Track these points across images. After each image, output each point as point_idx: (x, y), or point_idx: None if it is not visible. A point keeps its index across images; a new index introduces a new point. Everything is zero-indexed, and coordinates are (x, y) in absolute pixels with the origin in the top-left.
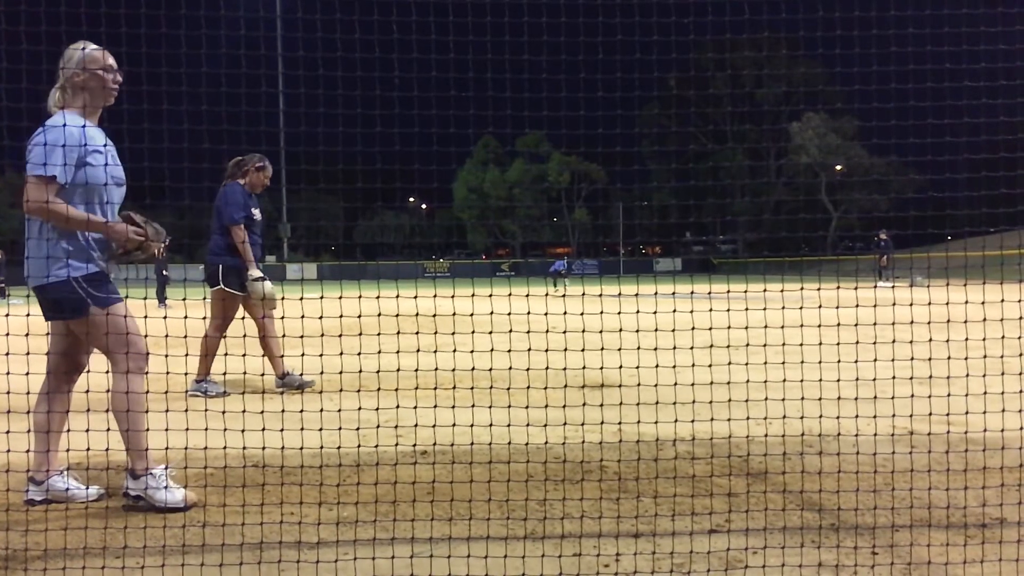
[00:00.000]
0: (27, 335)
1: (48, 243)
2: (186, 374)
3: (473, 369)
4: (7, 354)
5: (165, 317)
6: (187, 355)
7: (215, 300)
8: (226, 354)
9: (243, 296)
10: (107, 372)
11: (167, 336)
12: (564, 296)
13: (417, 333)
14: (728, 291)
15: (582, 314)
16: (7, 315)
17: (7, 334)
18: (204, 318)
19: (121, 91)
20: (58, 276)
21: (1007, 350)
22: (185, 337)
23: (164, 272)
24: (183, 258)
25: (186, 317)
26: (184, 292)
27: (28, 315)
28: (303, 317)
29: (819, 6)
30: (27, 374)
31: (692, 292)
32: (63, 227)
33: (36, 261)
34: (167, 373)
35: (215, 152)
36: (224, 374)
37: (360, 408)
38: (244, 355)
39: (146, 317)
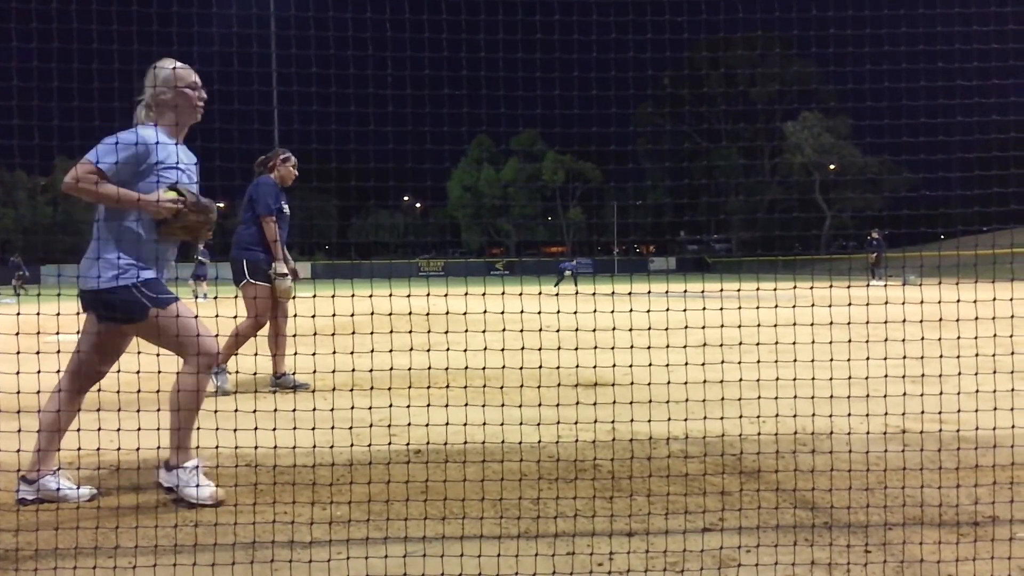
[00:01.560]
0: (17, 334)
1: (105, 248)
2: (179, 373)
3: (466, 368)
4: None
5: (158, 316)
6: None
7: (245, 297)
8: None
9: (267, 288)
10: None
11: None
12: (557, 295)
13: (411, 332)
14: (721, 290)
15: (575, 313)
16: None
17: None
18: (194, 316)
19: (113, 90)
20: (113, 281)
21: (999, 348)
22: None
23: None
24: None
25: (178, 316)
26: (176, 291)
27: (18, 314)
28: (296, 316)
29: (812, 5)
30: (17, 373)
31: (685, 291)
32: (94, 200)
33: (89, 264)
34: (159, 372)
35: (208, 150)
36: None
37: (353, 407)
38: (236, 354)
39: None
